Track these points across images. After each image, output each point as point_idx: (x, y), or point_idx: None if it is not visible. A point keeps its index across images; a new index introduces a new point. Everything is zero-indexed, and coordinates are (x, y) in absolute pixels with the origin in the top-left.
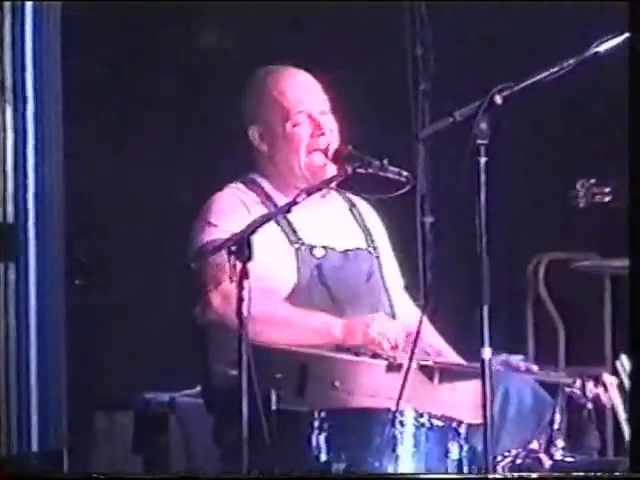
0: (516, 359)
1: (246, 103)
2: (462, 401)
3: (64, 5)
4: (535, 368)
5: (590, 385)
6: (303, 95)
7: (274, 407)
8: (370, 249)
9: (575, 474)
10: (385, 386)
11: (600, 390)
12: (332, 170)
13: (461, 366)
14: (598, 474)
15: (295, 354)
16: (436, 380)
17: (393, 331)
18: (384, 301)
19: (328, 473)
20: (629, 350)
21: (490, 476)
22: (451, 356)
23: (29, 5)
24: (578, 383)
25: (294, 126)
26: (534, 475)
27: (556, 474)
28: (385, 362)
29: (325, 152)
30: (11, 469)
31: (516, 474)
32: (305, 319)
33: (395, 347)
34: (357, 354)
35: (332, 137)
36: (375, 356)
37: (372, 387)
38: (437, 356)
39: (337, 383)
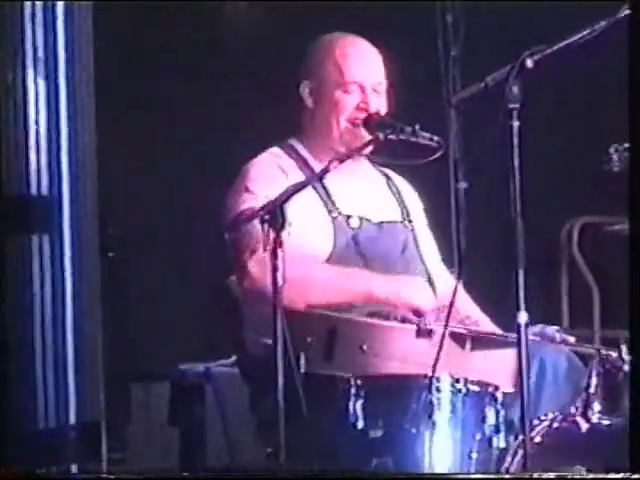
0: (552, 330)
1: (307, 59)
2: (494, 368)
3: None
4: (571, 339)
5: (624, 348)
6: (363, 67)
7: (303, 370)
8: (405, 222)
9: (575, 474)
10: (414, 351)
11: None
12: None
13: (493, 334)
14: (598, 474)
15: (324, 318)
16: (468, 347)
17: (430, 301)
18: (420, 272)
19: (329, 473)
20: (629, 350)
21: (491, 476)
22: (489, 327)
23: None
24: (614, 354)
25: (344, 92)
26: (534, 475)
27: (557, 474)
28: (414, 327)
29: (365, 125)
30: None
31: (517, 474)
32: (345, 279)
33: (427, 315)
34: (387, 318)
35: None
36: (404, 321)
37: (401, 352)
38: (475, 327)
39: (365, 347)
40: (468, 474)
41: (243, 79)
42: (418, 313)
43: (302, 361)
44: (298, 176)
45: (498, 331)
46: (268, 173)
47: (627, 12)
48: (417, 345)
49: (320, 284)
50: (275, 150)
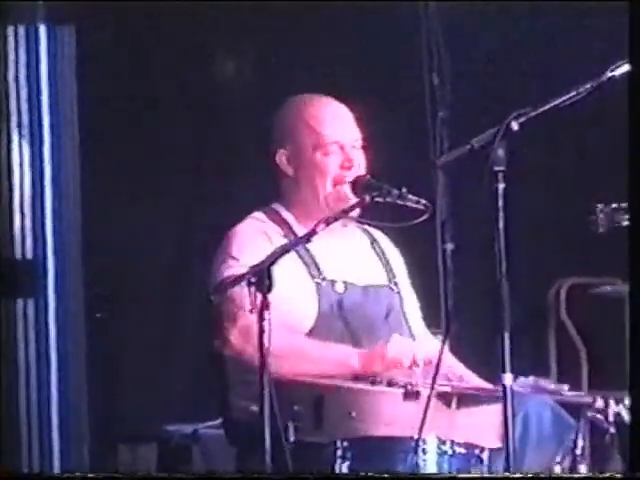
0: (545, 382)
1: (277, 126)
2: (481, 426)
3: (79, 37)
4: (565, 388)
5: (612, 405)
6: (338, 126)
7: (292, 439)
8: (391, 285)
9: (575, 475)
10: (402, 414)
11: (621, 408)
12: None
13: (478, 389)
14: (598, 474)
15: (311, 386)
16: (454, 406)
17: (411, 349)
18: (405, 335)
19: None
20: (629, 349)
21: (492, 476)
22: (473, 380)
23: (43, 36)
24: (599, 402)
25: (324, 155)
26: (534, 475)
27: (556, 474)
28: (402, 390)
29: (352, 188)
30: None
31: (518, 474)
32: (323, 351)
33: (415, 365)
34: (373, 383)
35: (360, 172)
36: (391, 384)
37: (389, 416)
38: (459, 381)
39: (353, 413)
40: (468, 474)
41: (229, 141)
42: (403, 365)
43: (291, 430)
44: (282, 241)
45: (481, 384)
46: (251, 238)
47: (610, 75)
48: (404, 408)
49: (300, 355)
50: (258, 215)
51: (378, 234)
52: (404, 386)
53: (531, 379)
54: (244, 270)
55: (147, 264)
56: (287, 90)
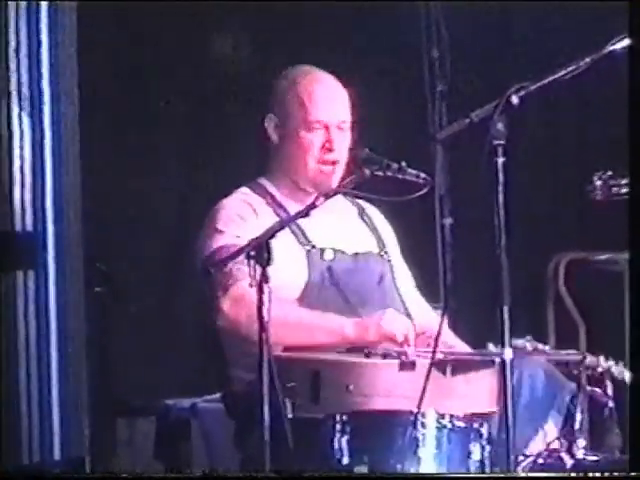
0: (523, 341)
1: (272, 92)
2: (477, 392)
3: (80, 12)
4: (546, 348)
5: (602, 361)
6: (327, 105)
7: (290, 415)
8: (382, 253)
9: (575, 474)
10: (399, 385)
11: (611, 364)
12: (338, 179)
13: (473, 354)
14: (598, 474)
15: (307, 361)
16: (449, 373)
17: (405, 325)
18: (397, 302)
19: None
20: (629, 347)
21: (491, 475)
22: (465, 349)
23: (44, 11)
24: (589, 359)
25: (308, 131)
26: (536, 475)
27: (557, 474)
28: (397, 361)
29: (332, 165)
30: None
31: (520, 474)
32: (317, 320)
33: (406, 342)
34: (368, 355)
35: (341, 155)
36: (386, 356)
37: (386, 387)
38: (449, 350)
39: (351, 387)
40: (467, 474)
41: (226, 117)
42: (396, 341)
43: (288, 407)
44: (268, 214)
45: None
46: (237, 212)
47: (611, 48)
48: (401, 379)
49: (294, 325)
50: (244, 190)
51: (367, 205)
52: (399, 357)
53: (520, 341)
54: (231, 242)
55: (146, 239)
56: (283, 64)
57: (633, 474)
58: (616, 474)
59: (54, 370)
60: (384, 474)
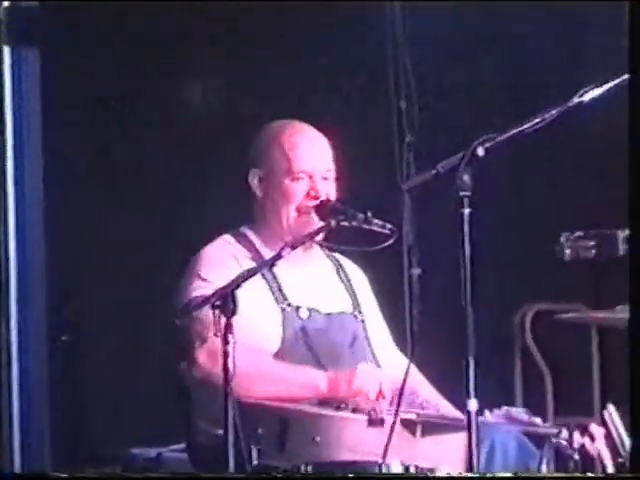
0: (517, 412)
1: (254, 147)
2: (446, 454)
3: (43, 63)
4: (538, 421)
5: (577, 435)
6: (311, 155)
7: (255, 462)
8: (355, 313)
9: (575, 474)
10: (366, 441)
11: (586, 440)
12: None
13: (444, 418)
14: (598, 474)
15: (276, 410)
16: (418, 434)
17: (378, 380)
18: (370, 363)
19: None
20: (629, 342)
21: (490, 475)
22: (443, 406)
23: (7, 63)
24: (564, 433)
25: (292, 181)
26: (536, 475)
27: (556, 474)
28: (366, 417)
29: (317, 212)
30: None
31: (516, 474)
32: (290, 373)
33: (381, 396)
34: (338, 408)
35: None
36: (356, 411)
37: (353, 442)
38: (435, 411)
39: (317, 438)
40: (467, 474)
41: (200, 164)
42: (368, 397)
43: (254, 454)
44: (250, 264)
45: (458, 414)
46: (220, 261)
47: (580, 99)
48: (369, 434)
49: (267, 377)
50: (227, 237)
51: (344, 260)
52: (368, 413)
53: (503, 409)
54: (210, 291)
55: (114, 285)
56: (257, 114)
57: (633, 475)
58: (616, 474)
59: (16, 420)
60: (384, 474)
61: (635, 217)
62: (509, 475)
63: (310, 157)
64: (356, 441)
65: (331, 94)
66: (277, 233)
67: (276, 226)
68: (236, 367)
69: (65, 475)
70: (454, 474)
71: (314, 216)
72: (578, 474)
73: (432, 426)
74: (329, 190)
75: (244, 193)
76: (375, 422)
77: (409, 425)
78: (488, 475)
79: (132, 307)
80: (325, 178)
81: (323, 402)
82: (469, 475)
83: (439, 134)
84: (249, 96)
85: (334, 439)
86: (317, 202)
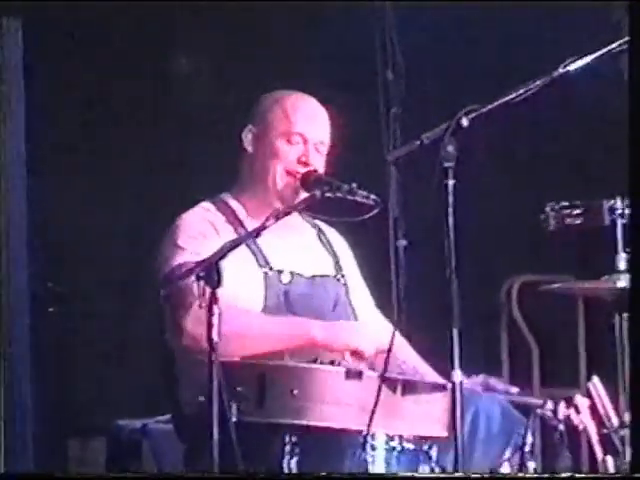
0: (494, 380)
1: (256, 106)
2: (427, 414)
3: (26, 37)
4: (514, 390)
5: (562, 406)
6: (310, 122)
7: (234, 419)
8: (338, 276)
9: (575, 474)
10: (345, 393)
11: (572, 411)
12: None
13: (425, 381)
14: (597, 474)
15: (253, 366)
16: (399, 392)
17: (374, 342)
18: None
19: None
20: (629, 339)
21: (490, 475)
22: (427, 372)
23: None
24: (549, 404)
25: (287, 142)
26: (535, 475)
27: (557, 474)
28: (343, 369)
29: (302, 183)
30: None
31: (518, 474)
32: (284, 326)
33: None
34: (315, 361)
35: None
36: (333, 363)
37: (331, 394)
38: (413, 372)
39: (295, 391)
40: (466, 474)
41: (186, 133)
42: (360, 356)
43: (233, 410)
44: (229, 232)
45: (437, 376)
46: (198, 229)
47: (565, 69)
48: (347, 387)
49: (259, 334)
50: (206, 205)
51: (325, 226)
52: (346, 365)
53: (481, 377)
54: (192, 259)
55: (98, 256)
56: (245, 88)
57: (633, 475)
58: (616, 474)
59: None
60: (384, 474)
61: (635, 212)
62: (510, 475)
63: (308, 123)
64: (335, 394)
65: (317, 66)
66: (260, 196)
67: (262, 188)
68: (225, 330)
69: (65, 475)
70: (454, 474)
71: (299, 184)
72: (579, 474)
73: (413, 386)
74: (319, 162)
75: (228, 164)
76: (353, 374)
77: (390, 383)
78: (488, 475)
79: (117, 278)
80: (317, 150)
81: (299, 355)
82: (469, 475)
83: (426, 105)
84: (235, 69)
85: (312, 392)
86: (305, 170)
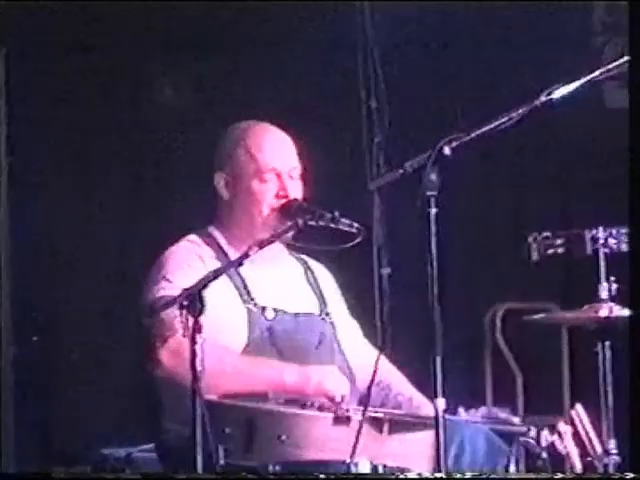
0: (496, 410)
1: (219, 149)
2: (413, 452)
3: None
4: (516, 420)
5: (545, 433)
6: (278, 155)
7: (222, 462)
8: (323, 315)
9: (575, 474)
10: (332, 439)
11: (555, 438)
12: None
13: (412, 417)
14: (597, 474)
15: (242, 409)
16: (385, 431)
17: (345, 386)
18: (339, 364)
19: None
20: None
21: (492, 476)
22: (423, 403)
23: None
24: (533, 432)
25: (261, 182)
26: (534, 475)
27: (556, 474)
28: (332, 415)
29: (284, 211)
30: None
31: (518, 474)
32: (257, 368)
33: (341, 403)
34: (304, 407)
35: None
36: (322, 409)
37: (320, 440)
38: (409, 404)
39: (284, 437)
40: (466, 473)
41: (165, 163)
42: (333, 400)
43: (221, 453)
44: (216, 264)
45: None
46: (186, 261)
47: (548, 97)
48: (335, 432)
49: (233, 373)
50: (193, 238)
51: (313, 262)
52: (335, 411)
53: (482, 409)
54: (176, 292)
55: (84, 288)
56: (226, 114)
57: (633, 475)
58: (616, 474)
59: None
60: (384, 474)
61: (635, 217)
62: (509, 475)
63: (276, 156)
64: (323, 439)
65: (302, 94)
66: (245, 234)
67: (246, 227)
68: (203, 368)
69: (65, 475)
70: (454, 474)
71: (282, 215)
72: (580, 475)
73: (400, 424)
74: (296, 188)
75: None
76: (341, 420)
77: (376, 423)
78: (483, 476)
79: (101, 307)
80: (291, 176)
81: (289, 400)
82: (469, 475)
83: (409, 134)
84: (218, 97)
85: (301, 437)
86: (286, 201)
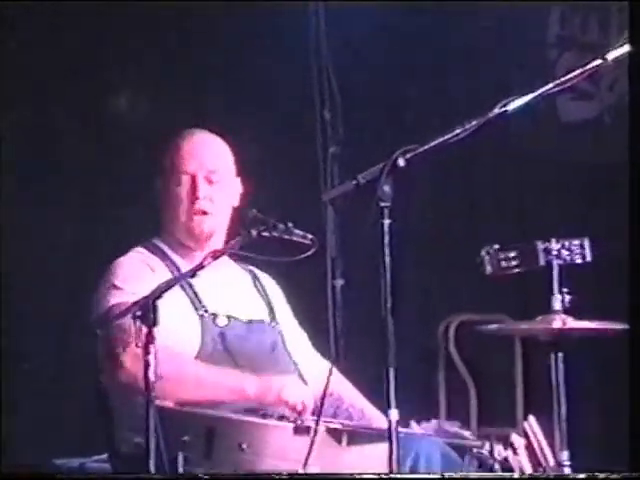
0: (449, 424)
1: (159, 157)
2: (372, 464)
3: None
4: (467, 434)
5: (499, 447)
6: (193, 157)
7: (181, 470)
8: (272, 323)
9: (575, 474)
10: (293, 448)
11: (509, 452)
12: (216, 238)
13: (369, 429)
14: (597, 474)
15: (202, 417)
16: (344, 442)
17: (304, 394)
18: (291, 371)
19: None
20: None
21: (491, 475)
22: (375, 416)
23: None
24: (487, 446)
25: (176, 185)
26: (534, 475)
27: (557, 474)
28: (292, 425)
29: (203, 215)
30: None
31: (516, 474)
32: (217, 376)
33: (304, 411)
34: (264, 416)
35: (213, 207)
36: (282, 418)
37: (279, 449)
38: (360, 416)
39: (244, 445)
40: (466, 473)
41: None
42: (295, 409)
43: (180, 460)
44: (165, 272)
45: (384, 419)
46: (134, 269)
47: (502, 109)
48: (295, 442)
49: (194, 381)
50: (139, 249)
51: (259, 272)
52: (294, 421)
53: (433, 422)
54: (128, 299)
55: (36, 297)
56: (179, 124)
57: (633, 474)
58: (616, 475)
59: None
60: (384, 474)
61: (635, 221)
62: (509, 475)
63: (191, 158)
64: (283, 449)
65: (256, 104)
66: (180, 239)
67: (176, 232)
68: (162, 372)
69: (65, 475)
70: (454, 474)
71: (208, 219)
72: (577, 474)
73: (358, 435)
74: (214, 192)
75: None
76: (301, 430)
77: (335, 434)
78: (488, 475)
79: (53, 317)
80: (211, 180)
81: (249, 409)
82: (469, 475)
83: (363, 145)
84: (172, 107)
85: (260, 446)
86: (201, 204)
